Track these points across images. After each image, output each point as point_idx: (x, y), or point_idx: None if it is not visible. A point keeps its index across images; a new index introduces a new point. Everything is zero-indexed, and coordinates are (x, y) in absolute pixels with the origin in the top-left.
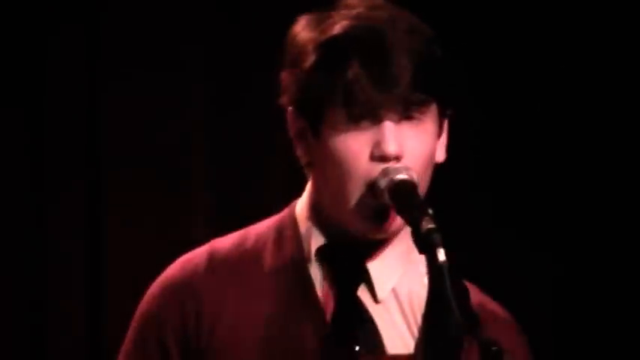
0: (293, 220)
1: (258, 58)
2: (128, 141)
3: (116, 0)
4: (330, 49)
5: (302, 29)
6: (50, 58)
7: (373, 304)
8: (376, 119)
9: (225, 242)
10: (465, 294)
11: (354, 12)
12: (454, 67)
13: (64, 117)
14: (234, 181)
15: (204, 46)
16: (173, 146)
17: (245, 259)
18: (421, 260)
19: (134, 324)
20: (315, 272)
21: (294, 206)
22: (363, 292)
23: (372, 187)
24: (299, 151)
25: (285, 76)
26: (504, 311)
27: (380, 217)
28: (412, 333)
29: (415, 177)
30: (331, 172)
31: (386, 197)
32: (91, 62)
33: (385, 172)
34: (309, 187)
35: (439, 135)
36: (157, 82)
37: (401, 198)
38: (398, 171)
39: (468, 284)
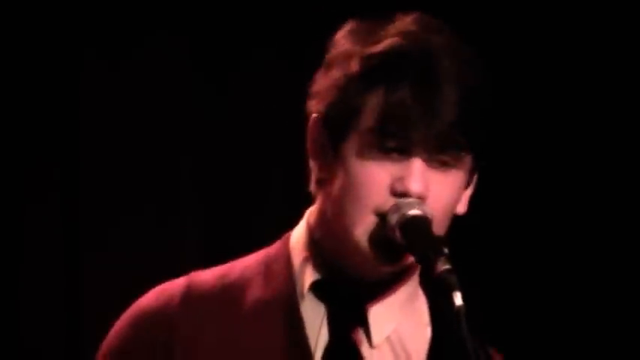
0: (286, 253)
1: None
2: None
3: None
4: (378, 63)
5: (347, 35)
6: None
7: (368, 348)
8: (406, 154)
9: (206, 275)
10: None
11: (407, 30)
12: (498, 120)
13: None
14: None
15: None
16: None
17: (227, 293)
18: (424, 310)
19: (104, 351)
20: (307, 310)
21: (289, 237)
22: (358, 335)
23: (382, 219)
24: (314, 166)
25: (319, 79)
26: None
27: (389, 250)
28: None
29: (429, 213)
30: (344, 194)
31: (397, 233)
32: None
33: (397, 207)
34: (309, 214)
35: (467, 187)
36: None
37: (413, 235)
38: (410, 206)
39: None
